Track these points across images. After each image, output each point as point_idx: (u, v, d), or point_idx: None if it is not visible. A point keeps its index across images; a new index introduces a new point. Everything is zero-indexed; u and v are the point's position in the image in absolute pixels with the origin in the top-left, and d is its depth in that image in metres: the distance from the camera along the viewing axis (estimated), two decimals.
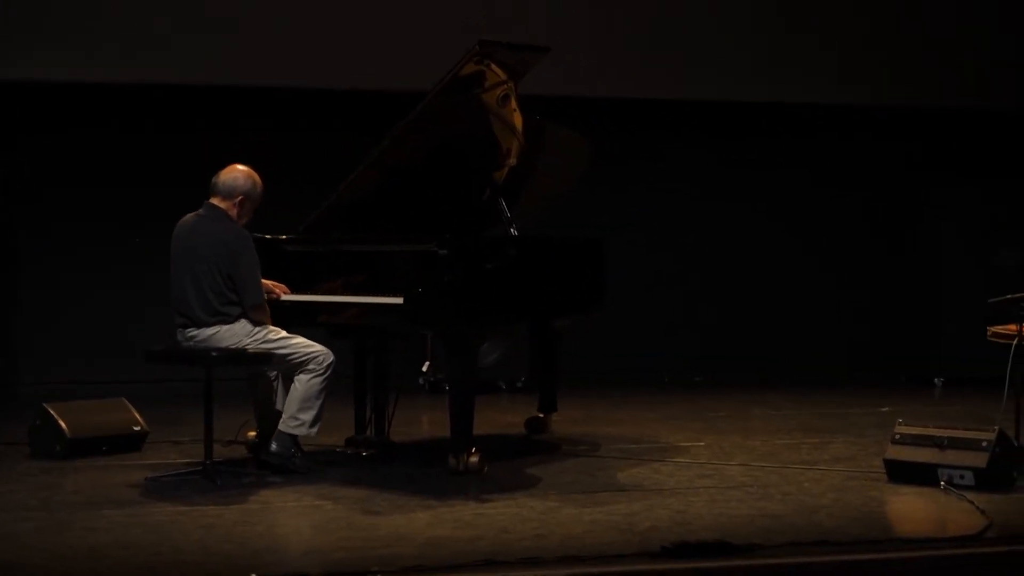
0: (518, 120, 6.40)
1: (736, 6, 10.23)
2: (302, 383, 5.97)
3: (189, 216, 6.10)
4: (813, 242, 11.14)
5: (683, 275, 10.80)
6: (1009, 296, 6.00)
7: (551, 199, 7.02)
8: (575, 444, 7.01)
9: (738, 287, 10.91)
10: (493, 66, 6.19)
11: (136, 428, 6.65)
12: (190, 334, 5.97)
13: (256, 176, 6.12)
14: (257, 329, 5.98)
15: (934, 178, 10.98)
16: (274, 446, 5.97)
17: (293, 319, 6.23)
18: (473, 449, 5.95)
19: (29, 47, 8.97)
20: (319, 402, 5.99)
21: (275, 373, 6.17)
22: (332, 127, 9.72)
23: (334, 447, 6.51)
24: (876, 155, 11.13)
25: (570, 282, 6.61)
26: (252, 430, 6.39)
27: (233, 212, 6.05)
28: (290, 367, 6.00)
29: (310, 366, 5.98)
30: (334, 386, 6.05)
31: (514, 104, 6.35)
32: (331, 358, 6.01)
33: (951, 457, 5.60)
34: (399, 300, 5.79)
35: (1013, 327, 6.04)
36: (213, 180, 6.09)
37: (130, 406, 6.71)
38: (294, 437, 5.98)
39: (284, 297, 6.25)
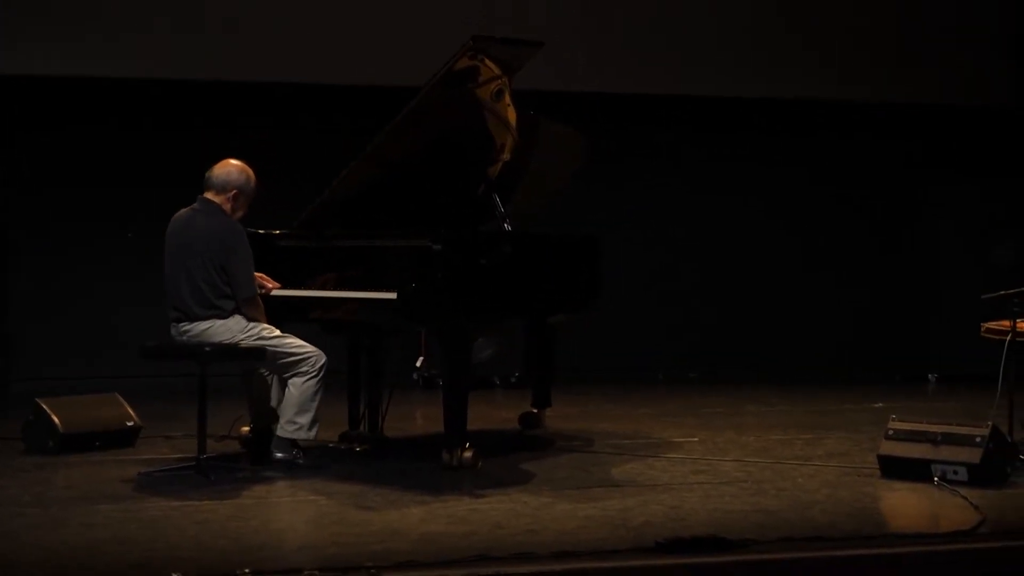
0: (512, 115, 6.39)
1: (735, 3, 10.23)
2: (296, 387, 5.97)
3: (183, 211, 6.10)
4: (810, 240, 11.13)
5: (679, 272, 10.79)
6: (1003, 292, 6.00)
7: (546, 195, 7.00)
8: (569, 440, 7.01)
9: (734, 284, 10.90)
10: (487, 61, 6.17)
11: (129, 423, 6.63)
12: (184, 328, 5.96)
13: (249, 170, 6.11)
14: (251, 326, 5.97)
15: (932, 176, 10.99)
16: (277, 454, 5.98)
17: (286, 315, 6.22)
18: (467, 444, 5.94)
19: (27, 42, 8.98)
20: (315, 404, 6.00)
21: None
22: (331, 124, 9.67)
23: (328, 443, 6.49)
24: (875, 153, 11.12)
25: (565, 278, 6.60)
26: (246, 425, 6.39)
27: (227, 206, 6.04)
28: (282, 367, 6.00)
29: (303, 368, 5.97)
30: (327, 381, 6.04)
31: (508, 99, 6.34)
32: (323, 359, 6.01)
33: (945, 453, 5.60)
34: (393, 295, 5.77)
35: (1006, 323, 6.05)
36: (207, 175, 6.09)
37: (123, 401, 6.70)
38: (293, 440, 6.00)
39: (277, 292, 6.24)
